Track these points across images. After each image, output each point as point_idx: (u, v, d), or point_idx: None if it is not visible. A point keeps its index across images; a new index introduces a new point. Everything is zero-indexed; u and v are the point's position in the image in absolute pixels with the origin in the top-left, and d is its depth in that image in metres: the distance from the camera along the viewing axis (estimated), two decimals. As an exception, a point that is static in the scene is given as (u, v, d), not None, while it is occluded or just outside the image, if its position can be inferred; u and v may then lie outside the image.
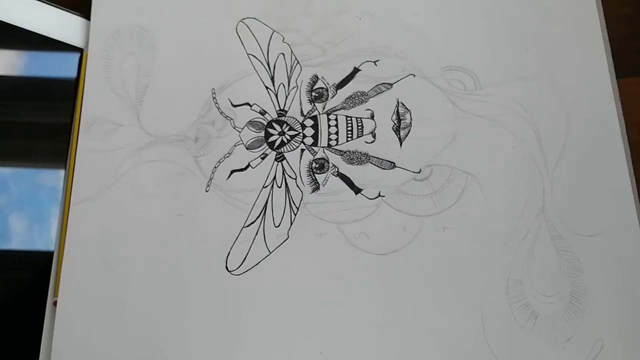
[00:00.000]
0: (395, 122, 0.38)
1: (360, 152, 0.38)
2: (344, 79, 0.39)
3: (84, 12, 0.41)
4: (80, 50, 0.41)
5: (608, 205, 0.36)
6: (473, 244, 0.36)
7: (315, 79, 0.39)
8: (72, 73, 0.40)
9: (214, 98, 0.39)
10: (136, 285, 0.36)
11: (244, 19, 0.41)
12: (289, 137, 0.39)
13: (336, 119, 0.39)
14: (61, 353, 0.35)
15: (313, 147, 0.38)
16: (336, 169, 0.38)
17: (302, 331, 0.35)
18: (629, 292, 0.34)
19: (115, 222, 0.37)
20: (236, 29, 0.40)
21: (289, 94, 0.39)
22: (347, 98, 0.39)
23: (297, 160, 0.38)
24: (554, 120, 0.38)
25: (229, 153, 0.38)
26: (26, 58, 0.40)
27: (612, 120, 0.37)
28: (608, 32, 0.39)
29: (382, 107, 0.38)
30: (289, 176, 0.38)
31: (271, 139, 0.39)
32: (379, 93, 0.39)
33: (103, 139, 0.38)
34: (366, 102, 0.39)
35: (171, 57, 0.40)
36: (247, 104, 0.39)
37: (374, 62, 0.39)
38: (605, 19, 0.39)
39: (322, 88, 0.39)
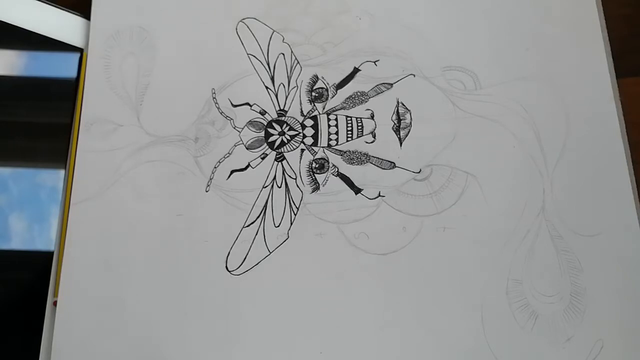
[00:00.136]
0: (395, 122, 0.38)
1: (360, 152, 0.38)
2: (344, 79, 0.39)
3: (84, 12, 0.41)
4: (80, 50, 0.41)
5: (608, 205, 0.36)
6: (473, 244, 0.36)
7: (315, 79, 0.39)
8: (72, 73, 0.40)
9: (214, 98, 0.39)
10: (136, 285, 0.36)
11: (244, 19, 0.41)
12: (289, 137, 0.39)
13: (336, 119, 0.39)
14: (61, 353, 0.35)
15: (313, 147, 0.38)
16: (336, 169, 0.38)
17: (302, 331, 0.35)
18: (629, 292, 0.34)
19: (115, 222, 0.37)
20: (236, 29, 0.40)
21: (289, 94, 0.39)
22: (347, 98, 0.39)
23: (297, 160, 0.38)
24: (554, 120, 0.38)
25: (229, 153, 0.38)
26: (26, 58, 0.40)
27: (612, 120, 0.37)
28: (608, 32, 0.39)
29: (382, 107, 0.38)
30: (289, 176, 0.38)
31: (271, 139, 0.39)
32: (379, 93, 0.39)
33: (103, 139, 0.38)
34: (366, 102, 0.39)
35: (171, 57, 0.40)
36: (247, 104, 0.39)
37: (374, 62, 0.39)
38: (605, 19, 0.39)
39: (322, 88, 0.39)
